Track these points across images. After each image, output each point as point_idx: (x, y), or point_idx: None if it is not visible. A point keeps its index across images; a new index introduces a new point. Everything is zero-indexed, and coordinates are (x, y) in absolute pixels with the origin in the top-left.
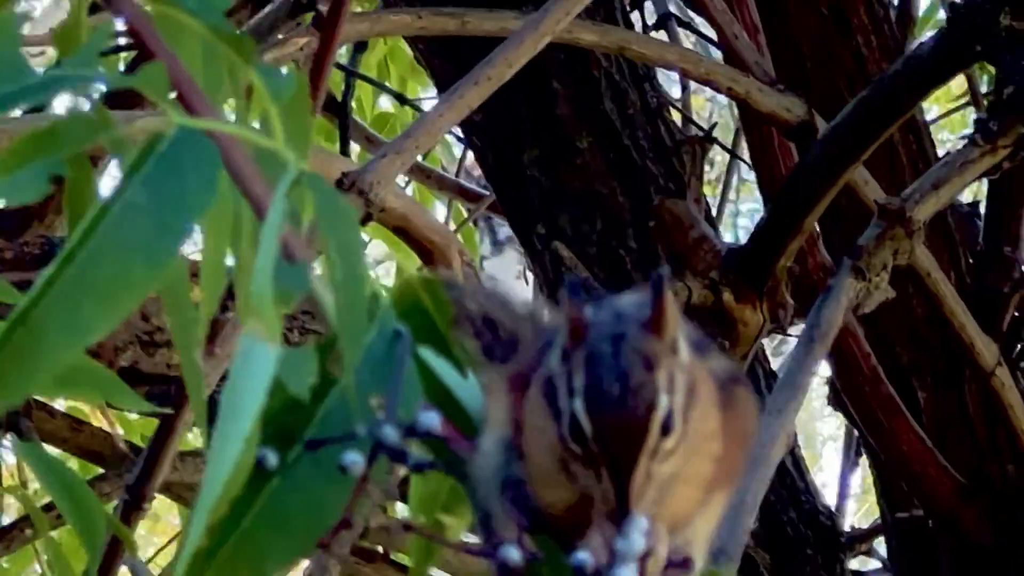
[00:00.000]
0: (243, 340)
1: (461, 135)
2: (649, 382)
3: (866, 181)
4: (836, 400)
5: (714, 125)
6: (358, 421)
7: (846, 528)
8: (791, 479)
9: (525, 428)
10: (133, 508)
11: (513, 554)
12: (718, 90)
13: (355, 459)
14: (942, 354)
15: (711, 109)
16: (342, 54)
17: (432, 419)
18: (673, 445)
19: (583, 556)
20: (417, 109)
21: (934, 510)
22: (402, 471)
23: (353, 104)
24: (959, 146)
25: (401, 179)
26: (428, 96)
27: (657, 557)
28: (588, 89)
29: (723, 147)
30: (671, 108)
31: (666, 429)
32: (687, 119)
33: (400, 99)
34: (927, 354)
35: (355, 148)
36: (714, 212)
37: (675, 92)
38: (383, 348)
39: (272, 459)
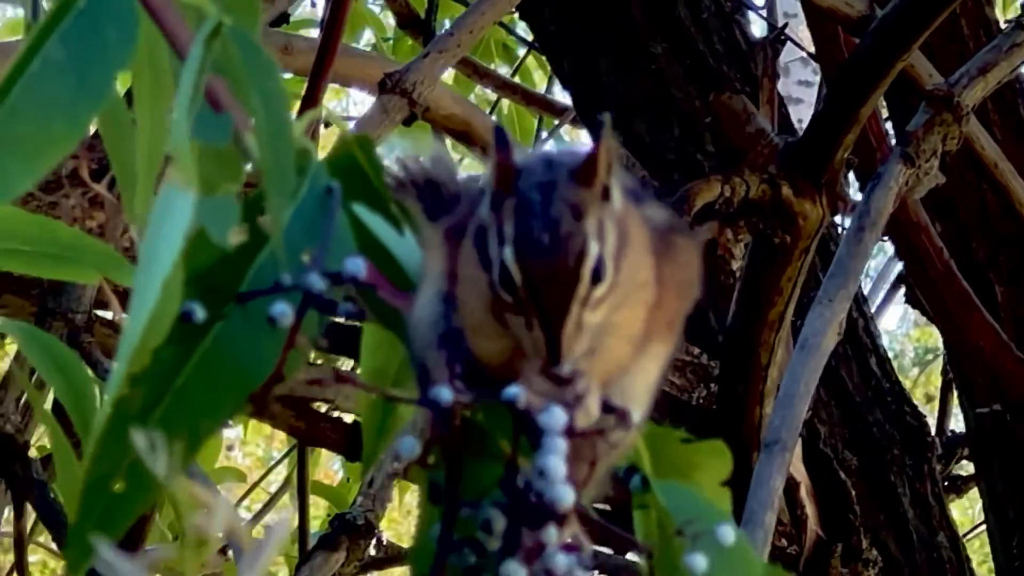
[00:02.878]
0: (162, 188)
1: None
2: (579, 230)
3: (930, 75)
4: (911, 296)
5: (785, 24)
6: (286, 273)
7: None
8: (876, 380)
9: (459, 278)
10: None
11: (444, 394)
12: None
13: (283, 310)
14: (1018, 248)
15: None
16: None
17: (357, 265)
18: (604, 293)
19: (515, 390)
20: (504, 27)
21: (1012, 403)
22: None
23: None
24: None
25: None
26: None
27: (588, 406)
28: None
29: (797, 45)
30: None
31: (596, 277)
32: (761, 17)
33: None
34: (1003, 248)
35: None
36: None
37: None
38: (315, 204)
39: (200, 313)
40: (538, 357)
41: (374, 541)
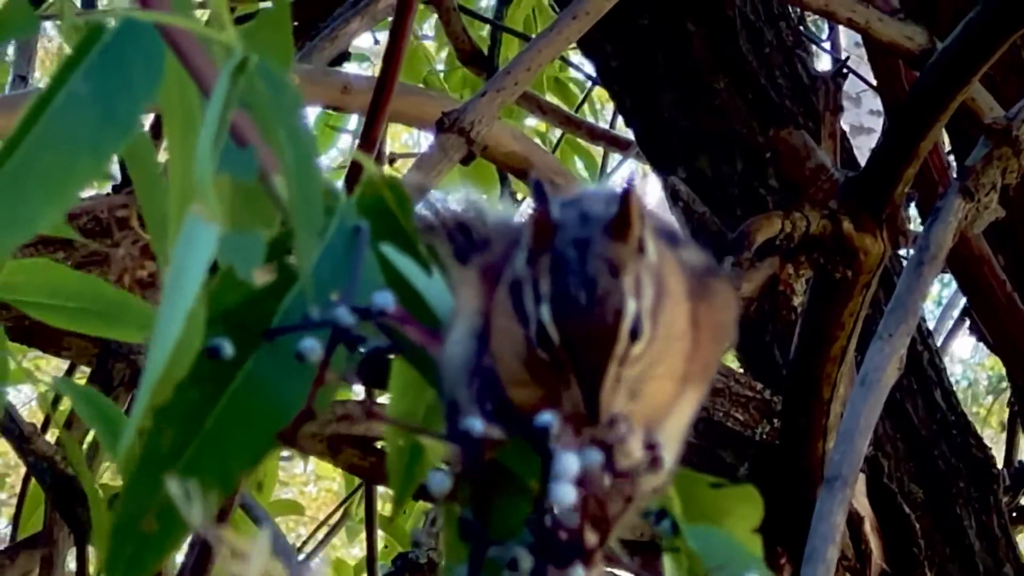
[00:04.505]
0: (186, 221)
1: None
2: (616, 288)
3: (991, 108)
4: (975, 328)
5: (847, 58)
6: (314, 309)
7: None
8: (941, 413)
9: (493, 327)
10: None
11: (476, 425)
12: (838, 21)
13: (312, 345)
14: None
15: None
16: (488, 7)
17: (386, 298)
18: (642, 350)
19: (548, 418)
20: (565, 61)
21: None
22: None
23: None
24: None
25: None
26: (573, 49)
27: (630, 446)
28: (723, 30)
29: (860, 78)
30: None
31: (634, 334)
32: (823, 50)
33: None
34: None
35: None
36: None
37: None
38: (343, 244)
39: (228, 349)
40: (577, 414)
41: None
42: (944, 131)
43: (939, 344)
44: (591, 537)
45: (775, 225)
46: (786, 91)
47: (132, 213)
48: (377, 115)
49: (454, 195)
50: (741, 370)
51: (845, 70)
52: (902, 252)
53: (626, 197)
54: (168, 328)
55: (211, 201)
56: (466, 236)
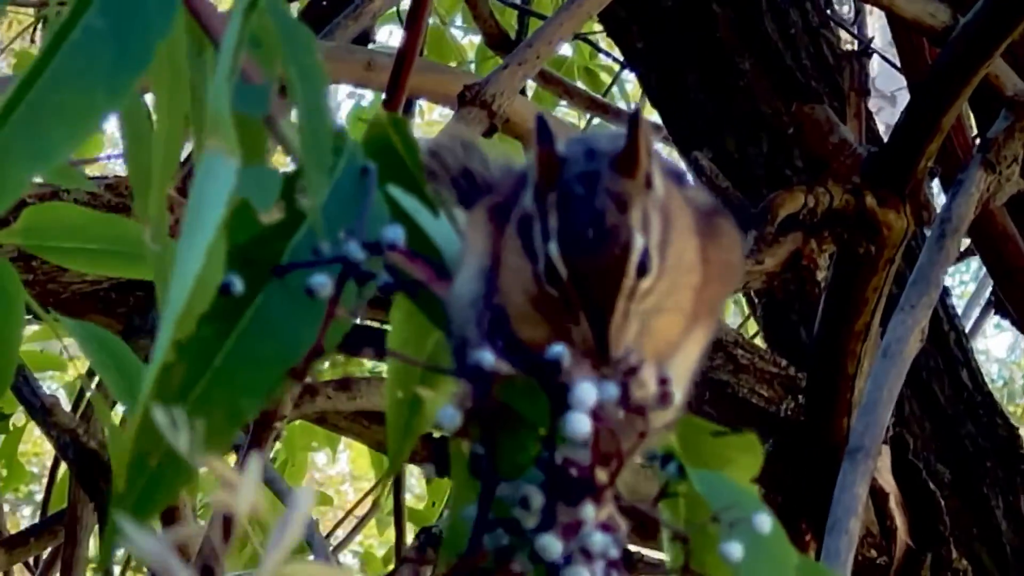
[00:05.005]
0: (203, 157)
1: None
2: (623, 223)
3: (1014, 83)
4: (999, 306)
5: (871, 39)
6: (324, 245)
7: None
8: (967, 393)
9: (502, 265)
10: (262, 427)
11: (486, 358)
12: (864, 0)
13: (323, 281)
14: None
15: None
16: None
17: (396, 233)
18: (650, 284)
19: (559, 350)
20: (593, 46)
21: None
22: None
23: None
24: None
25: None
26: (598, 31)
27: (644, 378)
28: (748, 10)
29: (884, 58)
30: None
31: (642, 269)
32: (849, 33)
33: (576, 36)
34: None
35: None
36: None
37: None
38: (351, 184)
39: (239, 285)
40: (586, 350)
41: None
42: (968, 108)
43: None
44: (602, 474)
45: (798, 200)
46: (811, 71)
47: None
48: (398, 87)
49: (457, 143)
50: (765, 347)
51: (870, 50)
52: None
53: (633, 132)
54: (188, 262)
55: (229, 136)
56: (470, 182)
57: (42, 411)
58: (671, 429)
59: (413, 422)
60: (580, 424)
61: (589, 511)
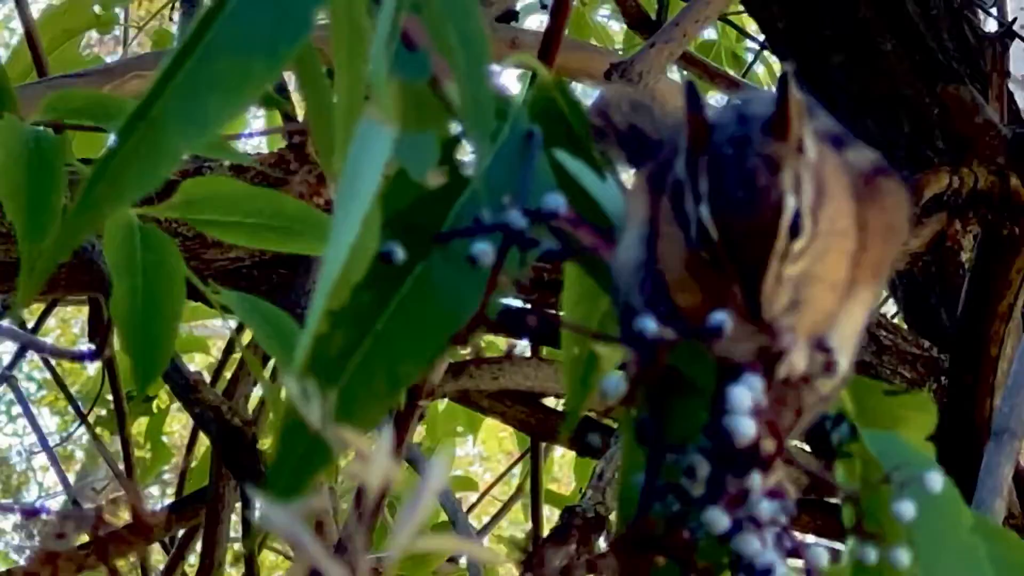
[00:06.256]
0: (361, 124)
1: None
2: (775, 184)
3: None
4: None
5: (1014, 20)
6: (486, 212)
7: None
8: None
9: (660, 232)
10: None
11: (650, 326)
12: None
13: (485, 248)
14: None
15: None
16: None
17: (558, 200)
18: (803, 246)
19: (721, 317)
20: (739, 30)
21: None
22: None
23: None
24: None
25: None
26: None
27: (793, 359)
28: None
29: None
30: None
31: (795, 231)
32: (989, 15)
33: (720, 19)
34: None
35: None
36: None
37: None
38: (515, 148)
39: (400, 253)
40: (739, 314)
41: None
42: None
43: None
44: (768, 444)
45: (943, 180)
46: (953, 53)
47: (308, 140)
48: (548, 62)
49: (625, 100)
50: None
51: (1012, 32)
52: None
53: (783, 95)
54: (344, 231)
55: (386, 103)
56: (639, 140)
57: (186, 388)
58: (836, 397)
59: (589, 377)
60: (744, 397)
61: (756, 480)
